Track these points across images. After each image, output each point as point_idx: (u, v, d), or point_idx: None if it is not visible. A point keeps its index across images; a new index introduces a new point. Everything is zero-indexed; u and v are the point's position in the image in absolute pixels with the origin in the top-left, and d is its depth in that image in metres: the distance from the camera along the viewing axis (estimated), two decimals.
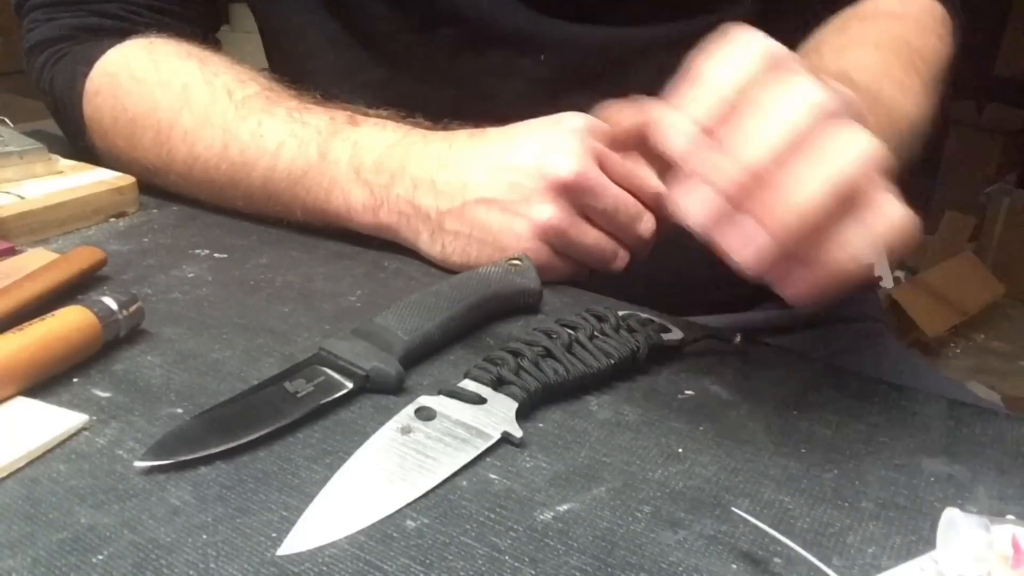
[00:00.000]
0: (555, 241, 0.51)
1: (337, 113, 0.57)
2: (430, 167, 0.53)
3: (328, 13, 0.65)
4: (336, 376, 0.39)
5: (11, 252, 0.52)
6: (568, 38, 0.63)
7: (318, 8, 0.65)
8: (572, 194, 0.50)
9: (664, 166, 0.40)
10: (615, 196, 0.50)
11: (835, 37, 0.61)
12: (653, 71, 0.65)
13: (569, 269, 0.53)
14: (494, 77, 0.63)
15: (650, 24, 0.63)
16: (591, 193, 0.50)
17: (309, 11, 0.66)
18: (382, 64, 0.66)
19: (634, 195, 0.51)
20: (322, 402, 0.38)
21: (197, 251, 0.55)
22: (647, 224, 0.52)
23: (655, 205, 0.52)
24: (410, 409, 0.37)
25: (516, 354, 0.40)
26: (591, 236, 0.51)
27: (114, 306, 0.42)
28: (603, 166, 0.50)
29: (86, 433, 0.36)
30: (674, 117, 0.36)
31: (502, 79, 0.63)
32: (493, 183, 0.51)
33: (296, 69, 0.67)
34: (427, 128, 0.56)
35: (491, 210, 0.51)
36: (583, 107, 0.53)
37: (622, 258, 0.52)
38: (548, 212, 0.50)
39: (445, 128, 0.56)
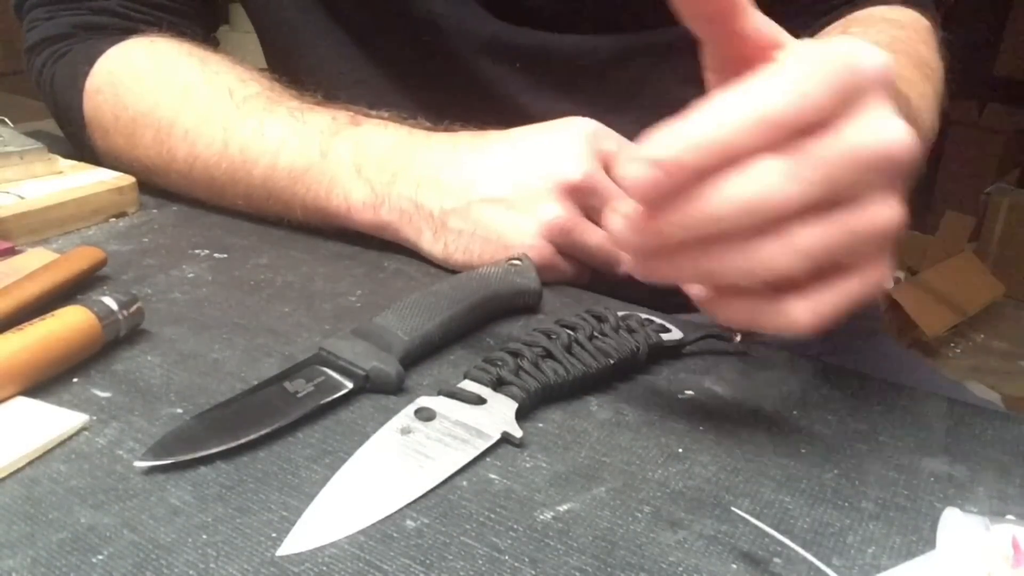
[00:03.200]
0: (560, 241, 0.51)
1: (339, 113, 0.57)
2: (435, 166, 0.53)
3: (322, 11, 0.66)
4: (336, 376, 0.39)
5: (11, 252, 0.52)
6: (542, 47, 0.63)
7: (312, 6, 0.66)
8: (578, 195, 0.50)
9: None
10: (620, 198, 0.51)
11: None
12: (630, 78, 0.65)
13: (573, 270, 0.53)
14: (473, 84, 0.64)
15: (625, 32, 0.63)
16: (597, 195, 0.50)
17: (303, 9, 0.66)
18: (373, 64, 0.66)
19: None
20: (322, 402, 0.38)
21: (197, 251, 0.55)
22: None
23: None
24: (410, 410, 0.37)
25: (516, 355, 0.40)
26: (596, 237, 0.51)
27: (114, 306, 0.42)
28: (608, 170, 0.50)
29: (86, 433, 0.36)
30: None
31: (481, 86, 0.64)
32: (500, 182, 0.51)
33: (292, 66, 0.67)
34: (428, 129, 0.56)
35: (497, 208, 0.51)
36: (561, 115, 0.53)
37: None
38: (554, 211, 0.50)
39: (447, 130, 0.56)
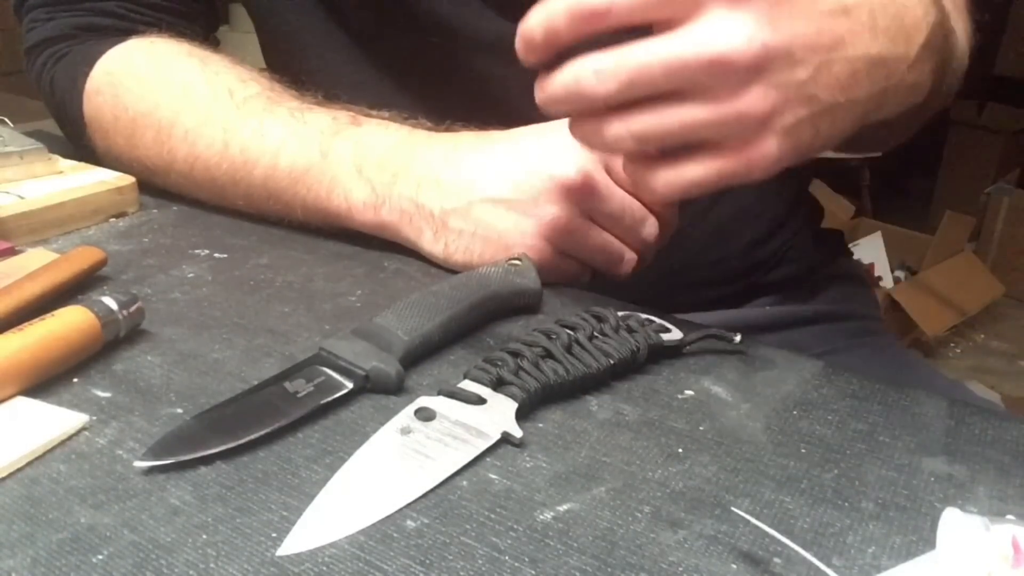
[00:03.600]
0: (560, 241, 0.51)
1: (339, 113, 0.57)
2: (435, 166, 0.53)
3: (323, 13, 0.66)
4: (336, 376, 0.39)
5: (11, 252, 0.52)
6: None
7: (313, 8, 0.66)
8: (579, 195, 0.50)
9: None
10: (621, 199, 0.51)
11: None
12: None
13: (573, 270, 0.53)
14: (481, 84, 0.63)
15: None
16: (598, 195, 0.50)
17: (305, 11, 0.66)
18: (375, 65, 0.66)
19: (639, 199, 0.51)
20: (322, 402, 0.38)
21: (197, 251, 0.55)
22: (651, 228, 0.52)
23: (660, 210, 0.52)
24: (410, 410, 0.37)
25: (516, 355, 0.40)
26: (596, 238, 0.51)
27: (114, 306, 0.42)
28: (609, 170, 0.50)
29: (86, 433, 0.36)
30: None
31: (488, 86, 0.63)
32: (500, 183, 0.51)
33: (293, 68, 0.67)
34: (429, 129, 0.56)
35: (497, 209, 0.51)
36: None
37: (628, 261, 0.52)
38: (554, 212, 0.50)
39: (448, 130, 0.56)
